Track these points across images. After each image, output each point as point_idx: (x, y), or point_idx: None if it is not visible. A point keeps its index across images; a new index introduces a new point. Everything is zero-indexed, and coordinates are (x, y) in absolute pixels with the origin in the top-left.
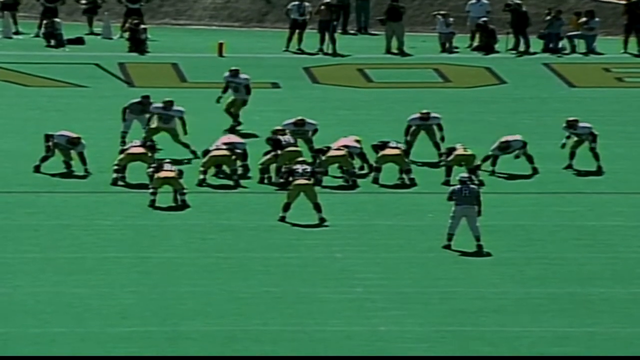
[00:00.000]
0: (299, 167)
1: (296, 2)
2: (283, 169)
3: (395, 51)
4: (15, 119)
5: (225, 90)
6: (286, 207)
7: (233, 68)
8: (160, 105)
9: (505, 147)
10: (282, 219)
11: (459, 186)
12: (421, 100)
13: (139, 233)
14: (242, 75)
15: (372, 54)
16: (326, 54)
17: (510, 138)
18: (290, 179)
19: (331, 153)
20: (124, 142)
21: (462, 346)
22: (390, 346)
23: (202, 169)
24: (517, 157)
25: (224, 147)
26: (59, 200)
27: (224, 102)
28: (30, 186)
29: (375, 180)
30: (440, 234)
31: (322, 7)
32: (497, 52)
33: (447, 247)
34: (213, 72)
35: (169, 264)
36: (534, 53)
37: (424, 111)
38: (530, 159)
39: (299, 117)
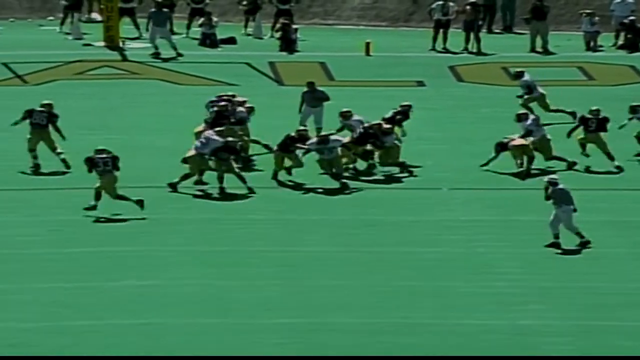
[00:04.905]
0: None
1: (440, 2)
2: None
3: (540, 50)
4: (170, 116)
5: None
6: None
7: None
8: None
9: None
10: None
11: (552, 188)
12: (565, 98)
13: (286, 227)
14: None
15: (516, 53)
16: (471, 52)
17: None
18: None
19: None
20: None
21: (603, 340)
22: (531, 340)
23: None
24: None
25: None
26: (212, 196)
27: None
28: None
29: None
30: (582, 230)
31: (468, 7)
32: None
33: (556, 245)
34: (360, 70)
35: (314, 258)
36: None
37: None
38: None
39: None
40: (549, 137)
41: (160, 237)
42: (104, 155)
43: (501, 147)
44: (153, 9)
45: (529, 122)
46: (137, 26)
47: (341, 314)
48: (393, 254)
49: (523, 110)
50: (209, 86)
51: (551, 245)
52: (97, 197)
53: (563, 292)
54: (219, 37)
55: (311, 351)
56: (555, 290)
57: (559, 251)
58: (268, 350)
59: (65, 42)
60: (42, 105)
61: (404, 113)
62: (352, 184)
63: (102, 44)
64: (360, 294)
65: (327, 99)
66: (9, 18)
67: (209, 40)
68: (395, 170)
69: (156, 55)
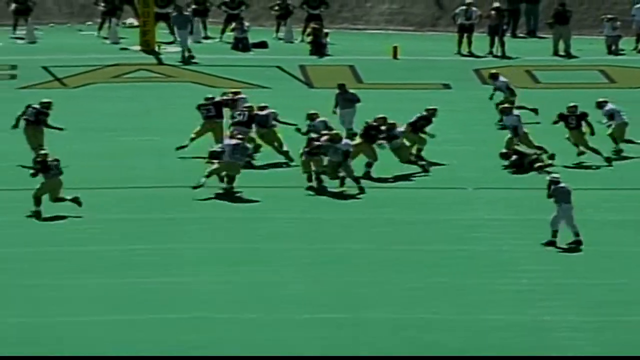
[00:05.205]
0: None
1: (463, 7)
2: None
3: (562, 53)
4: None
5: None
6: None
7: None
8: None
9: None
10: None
11: (553, 186)
12: (586, 100)
13: (310, 226)
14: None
15: (539, 56)
16: (495, 56)
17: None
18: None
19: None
20: None
21: (622, 336)
22: (552, 335)
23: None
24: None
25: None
26: (236, 196)
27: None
28: (213, 181)
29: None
30: (595, 229)
31: (492, 11)
32: None
33: (552, 243)
34: (388, 73)
35: (341, 255)
36: None
37: None
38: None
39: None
40: (526, 130)
41: (184, 236)
42: (52, 159)
43: (517, 154)
44: (174, 13)
45: (512, 117)
46: (172, 31)
47: (373, 309)
48: (419, 252)
49: (506, 105)
50: (242, 89)
51: (548, 243)
52: (38, 202)
53: (582, 289)
54: (251, 41)
55: (340, 348)
56: (575, 287)
57: (566, 247)
58: (295, 346)
59: (102, 47)
60: (40, 103)
61: (427, 118)
62: (376, 184)
63: (138, 48)
64: (385, 291)
65: (357, 100)
66: (49, 23)
67: (241, 44)
68: (417, 169)
69: (190, 58)
